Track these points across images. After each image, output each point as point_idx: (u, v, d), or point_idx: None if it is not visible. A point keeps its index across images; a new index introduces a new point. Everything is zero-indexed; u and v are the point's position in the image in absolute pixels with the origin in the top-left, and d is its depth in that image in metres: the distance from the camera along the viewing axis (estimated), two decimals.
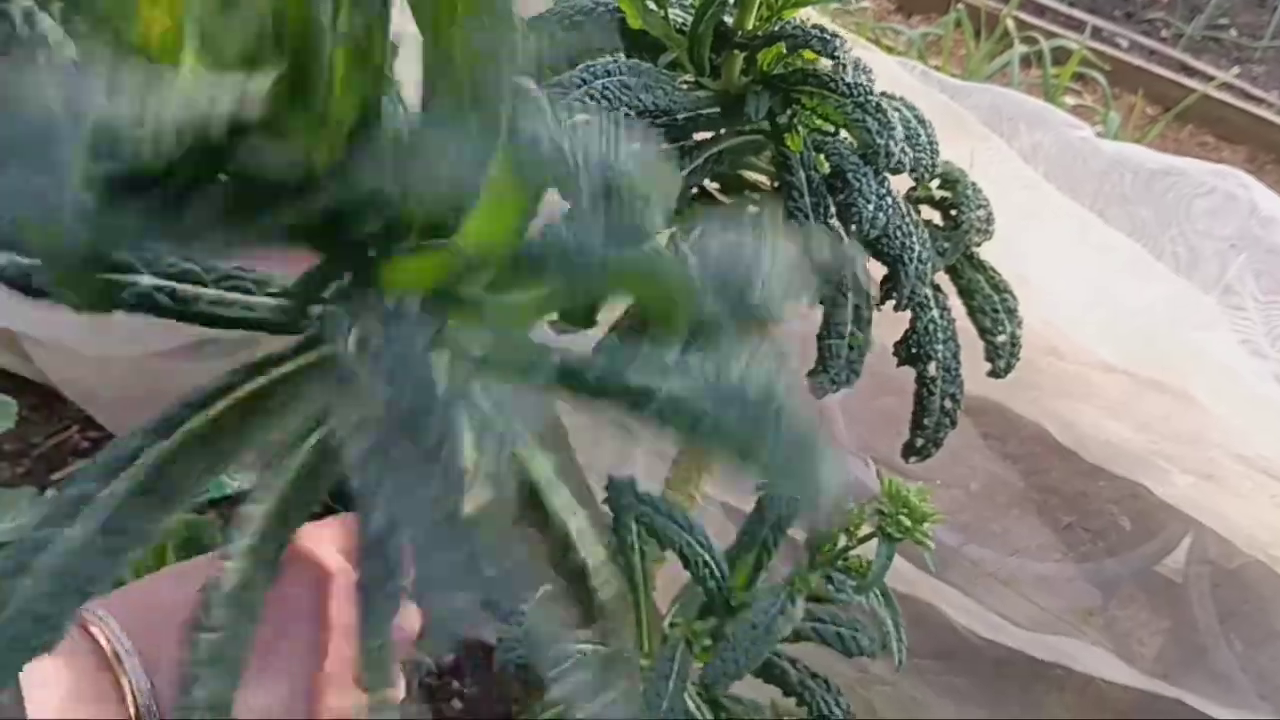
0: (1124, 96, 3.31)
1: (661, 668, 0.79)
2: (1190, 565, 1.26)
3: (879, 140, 0.72)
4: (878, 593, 0.72)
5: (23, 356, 1.99)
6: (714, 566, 0.77)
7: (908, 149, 0.77)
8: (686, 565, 0.78)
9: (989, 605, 1.07)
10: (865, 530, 0.69)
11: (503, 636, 0.87)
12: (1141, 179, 0.88)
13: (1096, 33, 3.52)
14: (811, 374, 0.87)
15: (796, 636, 0.86)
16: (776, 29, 0.69)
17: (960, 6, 3.03)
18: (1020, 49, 2.69)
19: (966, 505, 1.14)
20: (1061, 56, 2.83)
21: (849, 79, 0.72)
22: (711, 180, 0.90)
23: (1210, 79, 3.37)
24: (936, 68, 2.79)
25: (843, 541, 0.70)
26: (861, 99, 0.72)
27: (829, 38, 0.67)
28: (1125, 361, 0.89)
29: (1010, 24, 2.85)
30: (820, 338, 0.86)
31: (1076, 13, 3.59)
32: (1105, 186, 0.89)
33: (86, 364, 1.98)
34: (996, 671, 1.13)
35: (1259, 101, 3.39)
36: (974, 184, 0.88)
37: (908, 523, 0.67)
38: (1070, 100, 2.83)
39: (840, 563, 0.72)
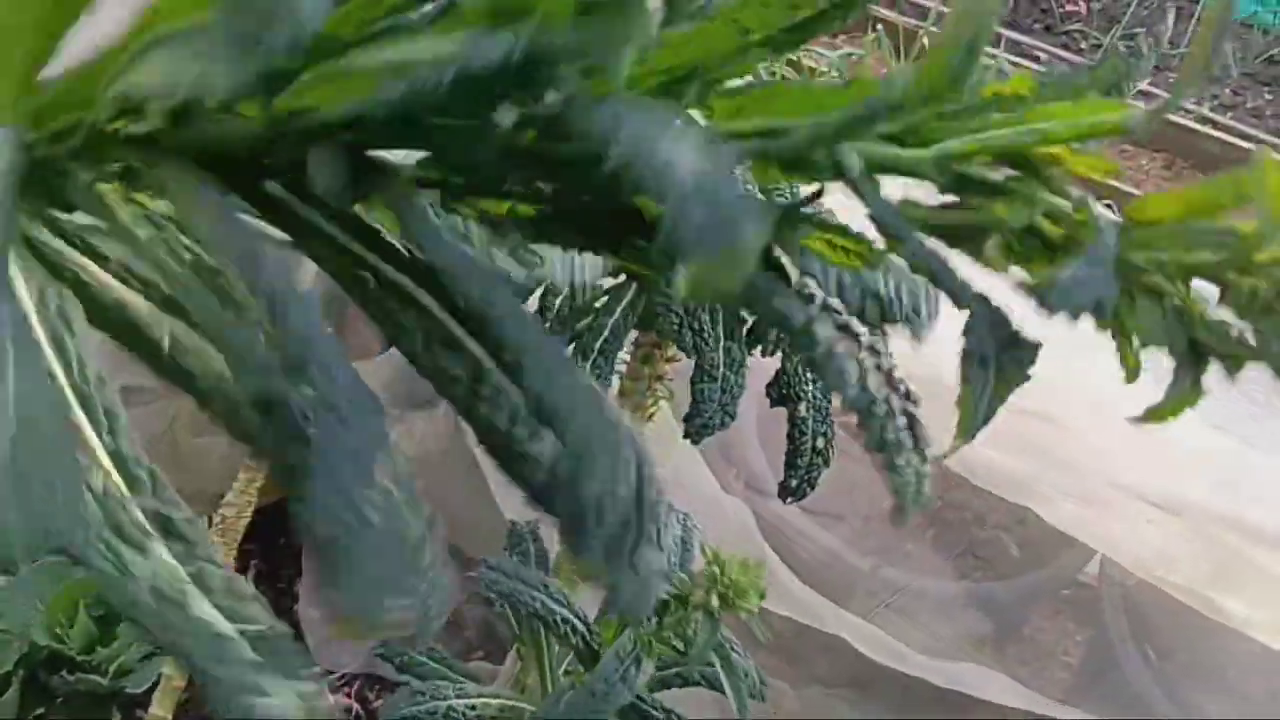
0: None
1: (548, 711, 0.79)
2: (1103, 582, 1.27)
3: None
4: (718, 659, 0.72)
5: None
6: (574, 624, 0.77)
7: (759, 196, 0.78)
8: (546, 626, 0.78)
9: (891, 634, 1.07)
10: (696, 600, 0.70)
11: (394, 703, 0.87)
12: None
13: (1015, 46, 3.59)
14: (686, 419, 0.88)
15: (664, 685, 0.86)
16: None
17: (880, 27, 3.07)
18: None
19: (864, 536, 1.15)
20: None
21: None
22: None
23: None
24: None
25: (677, 611, 0.71)
26: None
27: None
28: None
29: (927, 42, 2.89)
30: (693, 382, 0.87)
31: (995, 28, 3.66)
32: None
33: None
34: (907, 698, 1.14)
35: (1176, 108, 3.47)
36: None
37: (731, 597, 0.67)
38: None
39: (681, 628, 0.72)
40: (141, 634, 1.49)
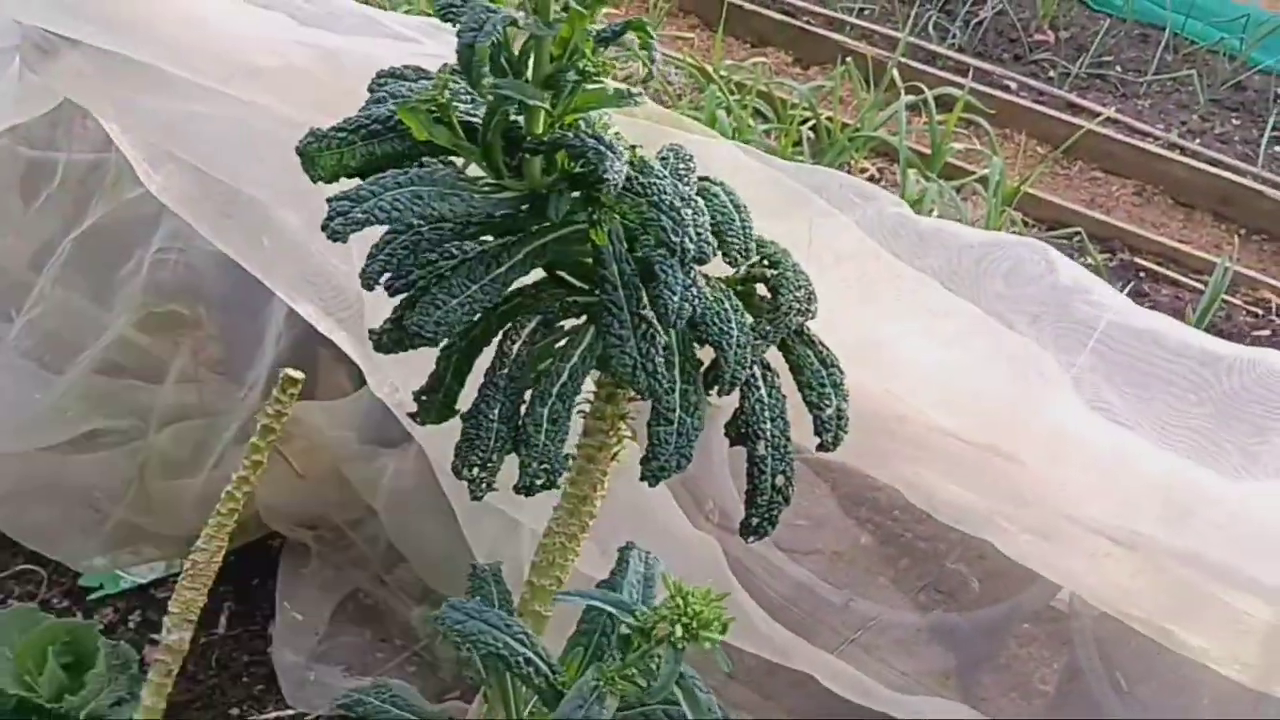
0: (1014, 136, 3.41)
1: None
2: (1073, 611, 1.28)
3: (674, 238, 0.74)
4: (681, 693, 0.72)
5: None
6: (537, 664, 0.77)
7: (710, 240, 0.79)
8: (507, 666, 0.78)
9: (859, 669, 1.08)
10: (659, 633, 0.70)
11: None
12: (954, 251, 0.92)
13: (985, 76, 3.64)
14: (643, 462, 0.88)
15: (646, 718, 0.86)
16: (559, 137, 0.71)
17: (849, 58, 3.11)
18: (908, 98, 2.76)
19: (829, 571, 1.15)
20: (950, 102, 2.92)
21: (642, 182, 0.73)
22: (547, 268, 0.91)
23: (1095, 115, 3.48)
24: (828, 118, 2.86)
25: (640, 646, 0.71)
26: (656, 198, 0.74)
27: (604, 152, 0.69)
28: (963, 426, 0.91)
29: (896, 74, 2.93)
30: (649, 425, 0.87)
31: (965, 58, 3.71)
32: (924, 258, 0.92)
33: None
34: None
35: (1144, 135, 3.52)
36: (795, 265, 0.90)
37: (694, 628, 0.67)
38: (959, 145, 2.91)
39: (645, 663, 0.72)
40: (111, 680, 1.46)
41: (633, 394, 0.99)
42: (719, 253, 0.84)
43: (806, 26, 3.79)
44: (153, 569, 1.91)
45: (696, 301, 0.78)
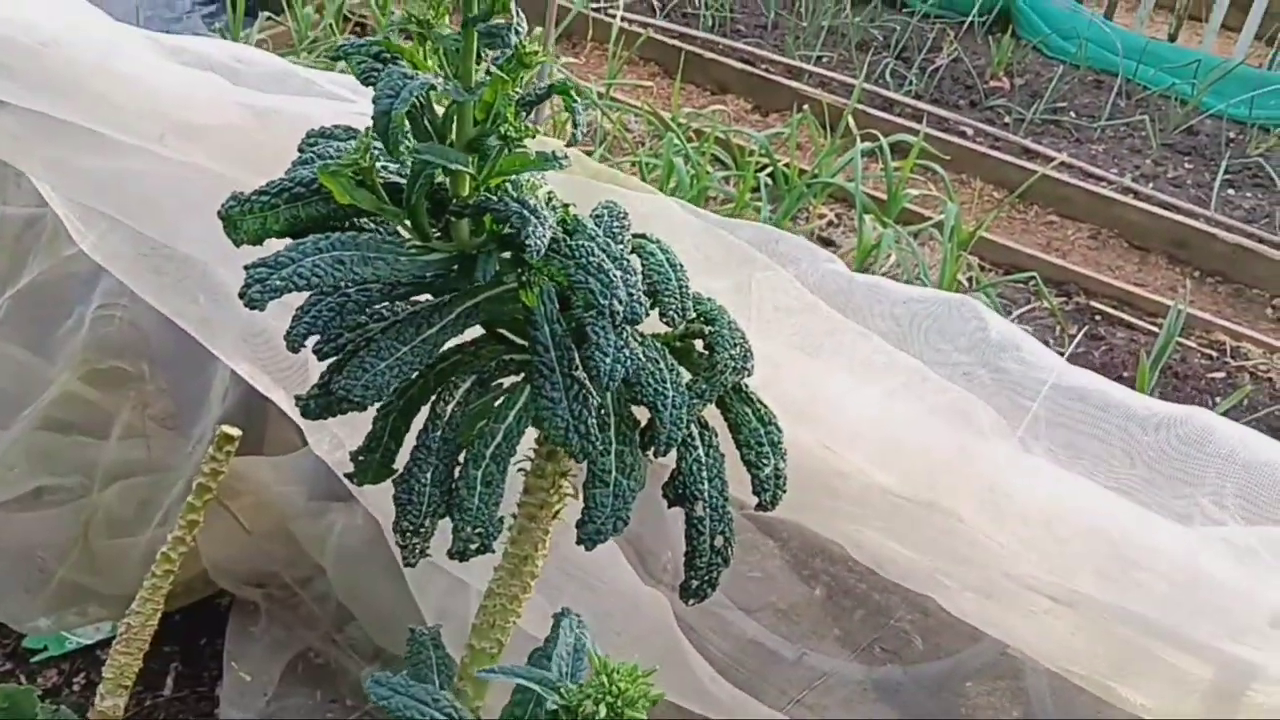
0: (970, 182, 3.45)
1: None
2: (1028, 666, 1.26)
3: (602, 300, 0.73)
4: None
5: None
6: None
7: (642, 300, 0.78)
8: None
9: None
10: (584, 713, 0.68)
11: None
12: (888, 306, 0.92)
13: (941, 122, 3.69)
14: (579, 525, 0.86)
15: None
16: (483, 201, 0.70)
17: (806, 106, 3.14)
18: (864, 144, 2.79)
19: (778, 627, 1.14)
20: (907, 149, 2.95)
21: (570, 244, 0.73)
22: (484, 325, 0.90)
23: (1050, 161, 3.54)
24: (786, 165, 2.88)
25: None
26: (584, 260, 0.73)
27: (526, 216, 0.68)
28: (901, 483, 0.90)
29: (851, 121, 2.96)
30: (585, 487, 0.86)
31: (921, 105, 3.76)
32: (862, 314, 0.92)
33: None
34: None
35: (1099, 180, 3.57)
36: (731, 323, 0.89)
37: (620, 707, 0.66)
38: (914, 190, 2.94)
39: None
40: None
41: None
42: (655, 312, 0.84)
43: (765, 75, 3.84)
44: (99, 629, 1.86)
45: (629, 363, 0.77)
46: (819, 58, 4.01)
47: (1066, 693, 1.21)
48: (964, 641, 1.11)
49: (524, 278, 0.76)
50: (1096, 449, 0.82)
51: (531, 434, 0.93)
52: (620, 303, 0.74)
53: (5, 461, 1.93)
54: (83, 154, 1.00)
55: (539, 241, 0.68)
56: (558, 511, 1.01)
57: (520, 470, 0.96)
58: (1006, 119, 3.87)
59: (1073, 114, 3.97)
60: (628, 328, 0.79)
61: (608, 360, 0.77)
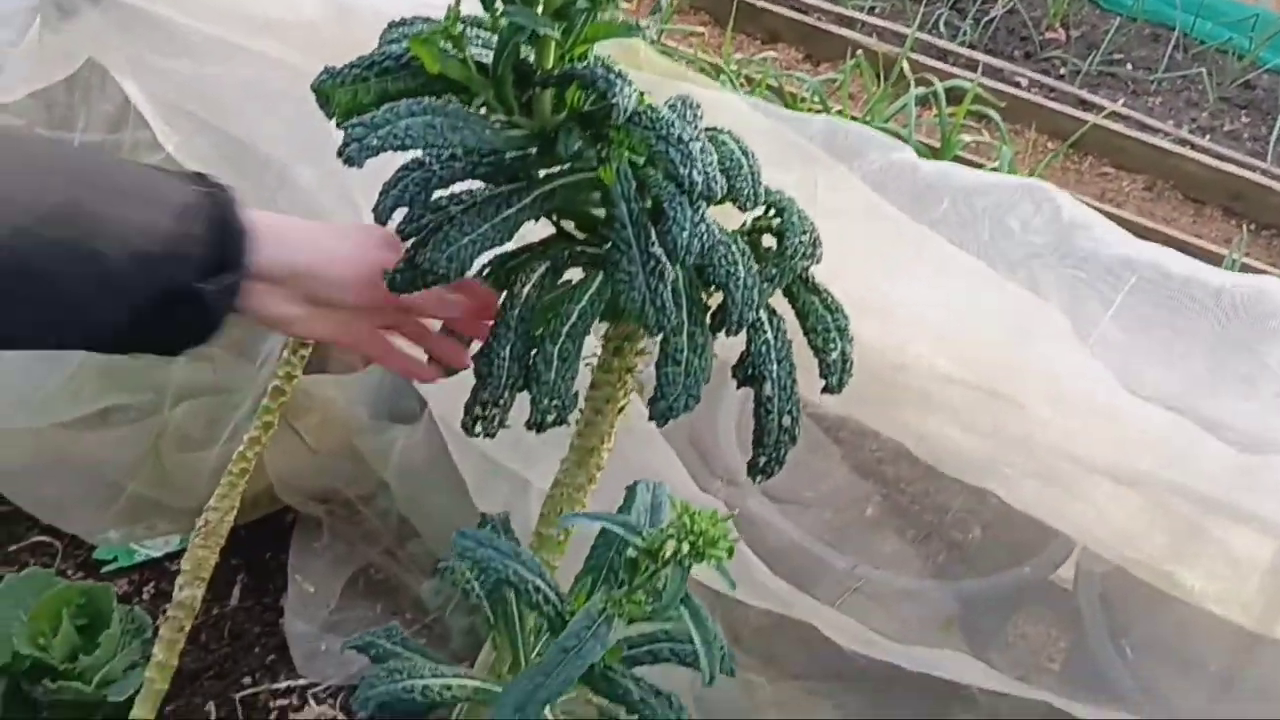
0: (1024, 132, 3.42)
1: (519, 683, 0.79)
2: (1079, 576, 1.28)
3: (682, 170, 0.75)
4: (687, 612, 0.73)
5: None
6: (546, 592, 0.78)
7: (719, 178, 0.80)
8: (516, 593, 0.79)
9: (861, 620, 1.08)
10: (666, 553, 0.71)
11: (366, 675, 0.87)
12: (959, 194, 0.93)
13: (996, 72, 3.65)
14: (651, 402, 0.89)
15: (654, 658, 0.87)
16: (569, 69, 0.72)
17: (860, 53, 3.12)
18: (918, 90, 2.77)
19: (831, 523, 1.16)
20: (960, 96, 2.92)
21: (651, 115, 0.75)
22: (553, 217, 0.93)
23: (1105, 111, 3.49)
24: (839, 112, 2.87)
25: (647, 568, 0.72)
26: (664, 131, 0.75)
27: (613, 78, 0.70)
28: (964, 371, 0.92)
29: (906, 66, 2.94)
30: (657, 366, 0.88)
31: (976, 54, 3.72)
32: (929, 203, 0.94)
33: None
34: (885, 688, 1.14)
35: (1155, 131, 3.52)
36: (800, 211, 0.91)
37: (701, 546, 0.68)
38: (967, 138, 2.92)
39: (653, 584, 0.73)
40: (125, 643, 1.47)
41: (640, 348, 1.01)
42: (727, 197, 0.86)
43: (817, 24, 3.81)
44: (167, 542, 1.93)
45: (705, 238, 0.79)
46: (871, 7, 3.97)
47: (1118, 599, 1.23)
48: (1021, 555, 1.13)
49: (603, 153, 0.79)
50: (1168, 322, 0.83)
51: (597, 335, 0.96)
52: (699, 174, 0.76)
53: (74, 383, 1.99)
54: (168, 54, 1.03)
55: (626, 101, 0.70)
56: (622, 407, 1.04)
57: (587, 365, 0.98)
58: (1062, 71, 3.82)
59: (1129, 66, 3.91)
60: (703, 204, 0.82)
61: (684, 233, 0.79)
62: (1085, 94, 3.66)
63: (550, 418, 0.87)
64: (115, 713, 1.46)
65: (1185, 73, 3.89)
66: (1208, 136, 3.57)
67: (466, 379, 0.91)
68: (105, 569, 1.90)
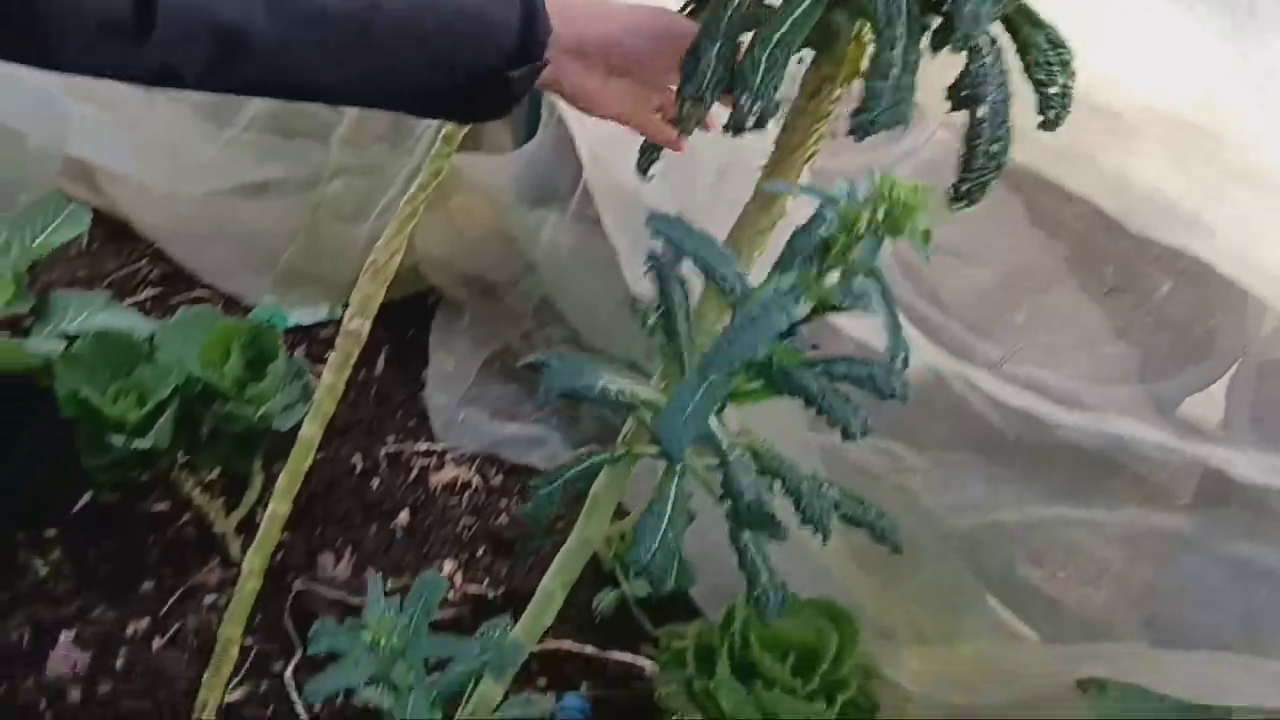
0: None
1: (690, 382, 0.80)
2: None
3: None
4: (875, 290, 0.71)
5: (96, 190, 2.06)
6: (730, 278, 0.77)
7: None
8: (709, 276, 0.78)
9: (1023, 384, 1.07)
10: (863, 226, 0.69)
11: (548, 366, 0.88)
12: None
13: None
14: (854, 114, 0.88)
15: (830, 377, 0.86)
16: None
17: None
18: None
19: (1007, 281, 1.13)
20: None
21: None
22: None
23: None
24: None
25: (841, 242, 0.70)
26: None
27: None
28: (1176, 108, 0.86)
29: None
30: (866, 77, 0.86)
31: None
32: None
33: (157, 199, 2.05)
34: (1038, 461, 1.13)
35: None
36: None
37: (897, 216, 0.66)
38: None
39: (844, 268, 0.71)
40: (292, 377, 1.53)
41: (835, 95, 0.98)
42: None
43: None
44: (317, 312, 2.00)
45: None
46: None
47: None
48: (1211, 318, 1.08)
49: None
50: None
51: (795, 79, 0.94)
52: None
53: (233, 152, 2.06)
54: None
55: None
56: (811, 155, 1.03)
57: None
58: None
59: None
60: None
61: None
62: None
63: (750, 122, 0.86)
64: (276, 442, 1.54)
65: None
66: None
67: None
68: None
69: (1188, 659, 1.02)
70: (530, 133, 1.76)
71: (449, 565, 1.63)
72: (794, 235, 0.82)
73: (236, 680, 1.45)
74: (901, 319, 0.84)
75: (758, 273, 1.05)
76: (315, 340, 1.96)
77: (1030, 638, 1.21)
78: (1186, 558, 1.03)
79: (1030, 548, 1.15)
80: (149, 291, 1.99)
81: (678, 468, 0.85)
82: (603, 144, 1.50)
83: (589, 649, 1.51)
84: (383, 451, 1.78)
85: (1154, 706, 0.99)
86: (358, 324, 1.33)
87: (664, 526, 0.81)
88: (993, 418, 1.10)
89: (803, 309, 0.74)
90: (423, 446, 1.80)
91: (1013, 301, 1.13)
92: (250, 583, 1.31)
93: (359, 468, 1.75)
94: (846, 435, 0.78)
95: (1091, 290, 1.08)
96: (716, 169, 1.28)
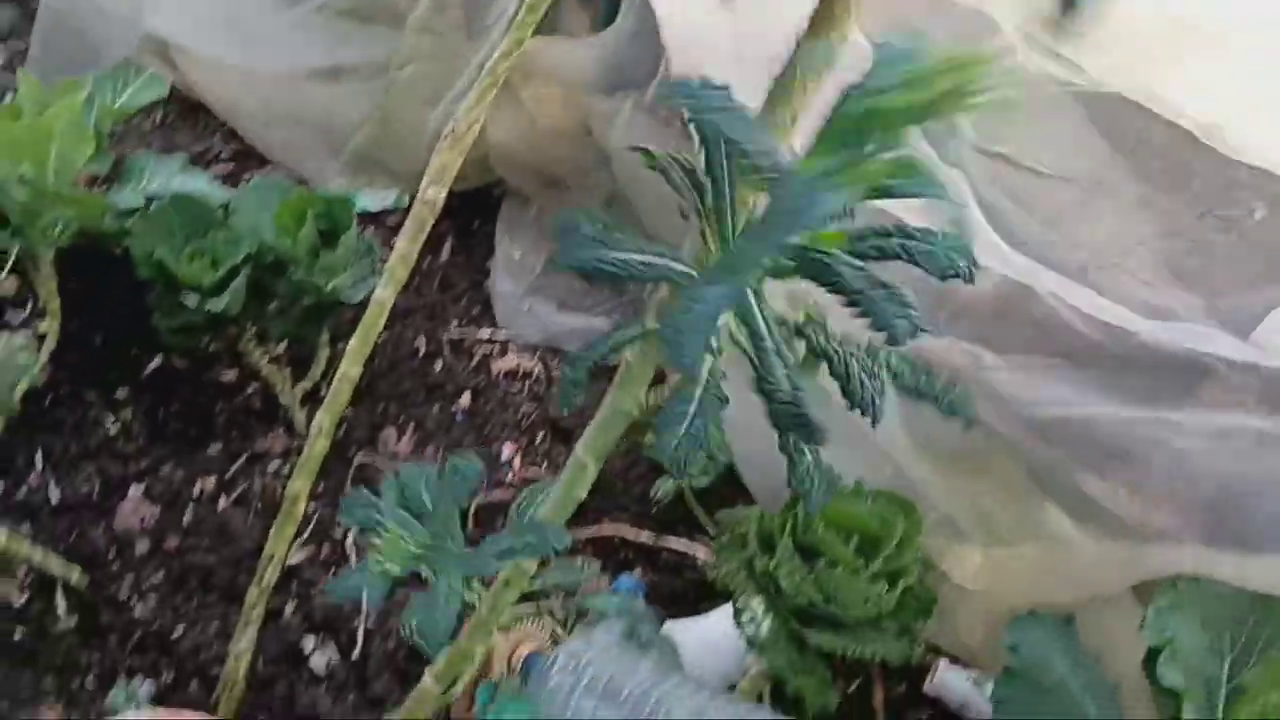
0: None
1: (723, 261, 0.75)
2: None
3: None
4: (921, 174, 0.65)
5: (171, 66, 2.07)
6: (762, 155, 0.71)
7: None
8: (741, 154, 0.72)
9: (1111, 297, 1.05)
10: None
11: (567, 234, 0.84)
12: None
13: None
14: None
15: (881, 254, 0.81)
16: None
17: None
18: None
19: (1091, 199, 1.10)
20: None
21: None
22: None
23: None
24: None
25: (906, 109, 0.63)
26: None
27: None
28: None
29: None
30: None
31: None
32: None
33: (231, 77, 2.05)
34: (1119, 368, 1.11)
35: None
36: None
37: (959, 92, 0.59)
38: None
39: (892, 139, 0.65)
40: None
41: None
42: None
43: None
44: (385, 197, 2.00)
45: None
46: None
47: None
48: None
49: None
50: None
51: None
52: None
53: (305, 33, 2.05)
54: None
55: None
56: None
57: None
58: None
59: None
60: None
61: None
62: None
63: None
64: (342, 319, 1.55)
65: None
66: None
67: None
68: None
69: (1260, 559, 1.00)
70: (609, 18, 1.73)
71: (508, 449, 1.64)
72: (841, 100, 0.65)
73: (300, 542, 1.48)
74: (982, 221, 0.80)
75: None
76: (382, 225, 1.96)
77: (1091, 541, 1.20)
78: (1267, 456, 1.01)
79: (1106, 448, 1.13)
80: (220, 168, 2.00)
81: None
82: (690, 30, 1.47)
83: (644, 536, 1.52)
84: (445, 336, 1.79)
85: (1220, 595, 0.97)
86: (434, 192, 1.33)
87: (691, 412, 0.71)
88: (1077, 324, 1.07)
89: (842, 195, 0.62)
90: (485, 334, 1.81)
91: (1094, 217, 1.09)
92: (320, 442, 1.33)
93: (422, 351, 1.76)
94: (893, 340, 0.66)
95: (1177, 212, 1.04)
96: None
